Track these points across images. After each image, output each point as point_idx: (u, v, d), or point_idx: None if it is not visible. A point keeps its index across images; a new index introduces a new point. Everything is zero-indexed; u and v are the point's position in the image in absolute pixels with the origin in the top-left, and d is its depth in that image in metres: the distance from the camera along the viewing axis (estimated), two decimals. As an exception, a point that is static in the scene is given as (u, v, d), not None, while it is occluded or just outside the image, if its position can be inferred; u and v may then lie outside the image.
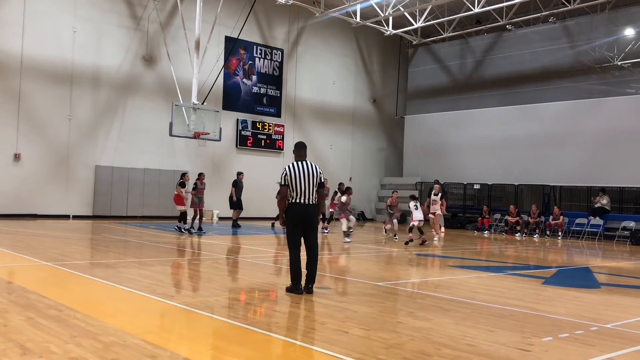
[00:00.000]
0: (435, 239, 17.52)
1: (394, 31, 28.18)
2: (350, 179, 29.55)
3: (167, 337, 5.29)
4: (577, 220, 21.86)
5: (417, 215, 15.79)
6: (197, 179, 17.43)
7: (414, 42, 30.66)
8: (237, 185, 20.46)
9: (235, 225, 20.15)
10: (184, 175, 17.17)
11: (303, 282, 7.62)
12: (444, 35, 28.78)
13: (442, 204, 18.32)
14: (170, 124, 19.66)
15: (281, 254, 12.65)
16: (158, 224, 19.11)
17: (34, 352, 4.49)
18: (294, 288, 7.59)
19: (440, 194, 18.32)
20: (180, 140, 22.42)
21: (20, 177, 20.38)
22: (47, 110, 20.96)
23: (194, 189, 17.31)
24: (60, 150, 21.27)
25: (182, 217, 16.62)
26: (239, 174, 20.83)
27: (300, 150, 7.95)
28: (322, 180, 7.82)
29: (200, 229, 16.97)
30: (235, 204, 20.38)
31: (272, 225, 20.74)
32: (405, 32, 28.82)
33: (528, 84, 26.29)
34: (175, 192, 16.74)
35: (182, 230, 16.56)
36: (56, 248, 12.02)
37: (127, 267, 9.64)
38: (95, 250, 12.71)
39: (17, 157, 20.38)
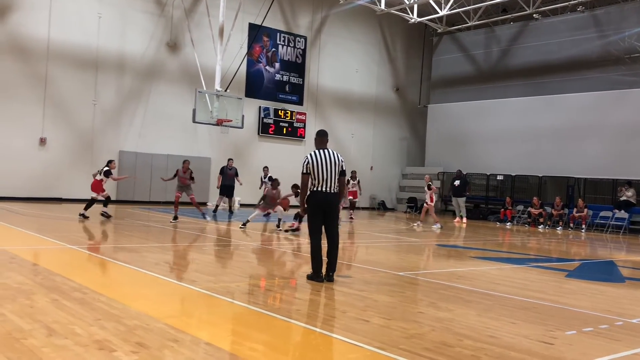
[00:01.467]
0: (415, 224, 18.83)
1: (419, 19, 27.92)
2: (372, 168, 29.49)
3: (189, 322, 5.34)
4: (602, 213, 21.55)
5: None
6: (181, 167, 16.14)
7: (439, 30, 30.34)
8: (223, 172, 19.44)
9: (213, 211, 19.20)
10: (110, 162, 15.94)
11: (324, 270, 7.63)
12: (469, 24, 28.43)
13: (432, 195, 19.18)
14: (194, 111, 19.73)
15: (302, 241, 12.68)
16: (181, 209, 19.23)
17: (60, 334, 4.56)
18: (315, 276, 7.60)
19: (429, 184, 19.28)
20: (203, 127, 22.51)
21: (46, 161, 20.67)
22: (72, 96, 21.20)
23: (174, 176, 16.10)
24: (85, 135, 21.52)
25: (90, 204, 15.26)
26: (229, 160, 19.96)
27: (322, 138, 7.93)
28: (344, 169, 7.79)
29: (204, 214, 16.49)
30: (220, 189, 19.43)
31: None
32: (430, 20, 28.53)
33: (554, 74, 25.86)
34: (97, 179, 15.51)
35: (85, 216, 14.98)
36: (80, 231, 12.18)
37: (150, 252, 9.74)
38: (119, 234, 12.86)
39: (42, 141, 20.67)
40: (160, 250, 10.35)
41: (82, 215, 14.99)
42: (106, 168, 15.75)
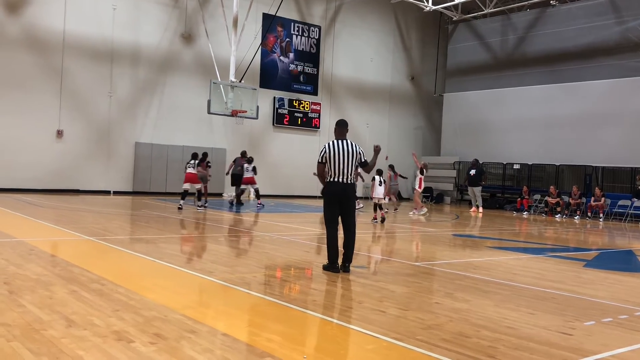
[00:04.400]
0: (411, 213, 19.29)
1: (434, 7, 27.64)
2: (387, 157, 29.34)
3: (206, 313, 5.36)
4: (620, 202, 21.32)
5: (379, 191, 15.24)
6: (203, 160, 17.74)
7: (454, 18, 30.04)
8: (235, 162, 19.23)
9: (238, 203, 19.22)
10: (205, 155, 17.73)
11: (340, 261, 7.62)
12: (485, 11, 28.11)
13: (420, 182, 19.75)
14: (209, 102, 19.76)
15: (319, 232, 12.68)
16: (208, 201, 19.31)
17: (79, 325, 4.60)
18: (331, 266, 7.59)
19: (423, 170, 19.65)
20: (218, 118, 22.54)
21: (63, 153, 20.86)
22: (88, 88, 21.34)
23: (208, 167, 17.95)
24: (101, 127, 21.67)
25: (184, 195, 16.88)
26: (242, 152, 19.57)
27: (341, 129, 7.88)
28: (364, 160, 7.75)
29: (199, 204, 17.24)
30: (231, 180, 19.37)
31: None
32: (445, 8, 28.26)
33: (572, 62, 25.53)
34: (190, 171, 16.74)
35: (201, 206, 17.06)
36: (98, 223, 12.29)
37: (167, 243, 9.80)
38: (136, 225, 12.95)
39: (59, 133, 20.84)
40: (177, 242, 10.41)
41: (180, 207, 16.12)
42: (197, 161, 16.85)
